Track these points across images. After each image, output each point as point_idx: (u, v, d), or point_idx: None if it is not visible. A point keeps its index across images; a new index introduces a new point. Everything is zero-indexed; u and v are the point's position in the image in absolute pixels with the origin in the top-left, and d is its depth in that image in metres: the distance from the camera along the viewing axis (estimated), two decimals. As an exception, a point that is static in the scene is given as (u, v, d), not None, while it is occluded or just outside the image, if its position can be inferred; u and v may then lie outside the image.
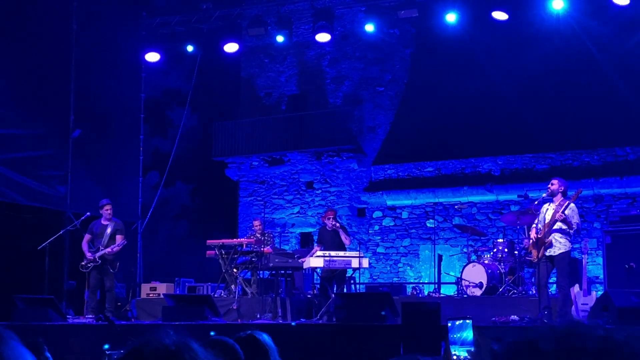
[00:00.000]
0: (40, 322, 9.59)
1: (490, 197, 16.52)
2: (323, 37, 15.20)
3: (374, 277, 17.33)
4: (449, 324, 1.94)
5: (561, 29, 14.34)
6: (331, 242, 11.21)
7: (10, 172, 13.00)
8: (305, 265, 11.17)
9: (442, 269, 12.99)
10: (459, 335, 2.02)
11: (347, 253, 11.01)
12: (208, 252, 12.22)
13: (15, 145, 13.12)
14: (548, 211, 9.36)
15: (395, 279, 16.98)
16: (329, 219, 11.30)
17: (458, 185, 16.76)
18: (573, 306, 9.41)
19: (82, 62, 14.33)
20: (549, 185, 9.37)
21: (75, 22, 14.23)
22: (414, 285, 14.34)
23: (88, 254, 11.08)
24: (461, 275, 11.55)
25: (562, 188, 9.37)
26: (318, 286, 11.58)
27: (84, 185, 14.16)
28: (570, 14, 13.72)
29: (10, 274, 12.27)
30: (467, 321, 2.00)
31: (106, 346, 7.97)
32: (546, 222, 9.26)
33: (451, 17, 13.86)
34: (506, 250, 11.33)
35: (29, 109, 13.39)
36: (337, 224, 11.36)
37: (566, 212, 9.14)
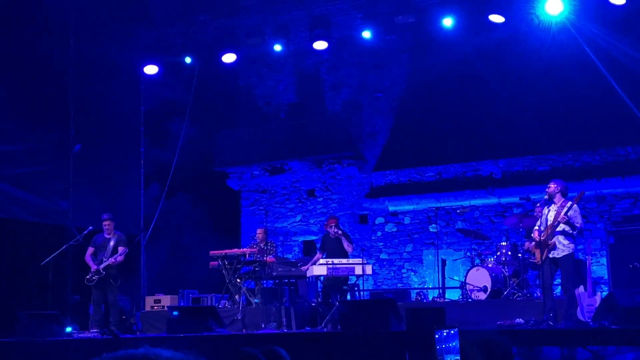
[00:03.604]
0: (44, 337, 9.57)
1: (492, 200, 16.51)
2: (320, 45, 15.22)
3: (378, 284, 17.31)
4: (437, 335, 1.94)
5: (558, 30, 14.35)
6: (334, 249, 11.19)
7: (12, 188, 12.99)
8: (308, 274, 11.15)
9: (446, 273, 12.96)
10: (446, 345, 2.02)
11: (351, 260, 10.99)
12: (211, 262, 12.21)
13: (15, 161, 13.12)
14: (550, 212, 9.34)
15: (399, 285, 16.95)
16: (330, 226, 11.28)
17: (460, 189, 16.75)
18: (578, 308, 9.38)
19: (81, 76, 14.34)
20: (546, 189, 9.36)
21: (73, 36, 14.25)
22: (418, 290, 14.31)
23: (93, 266, 11.11)
24: (465, 279, 11.52)
25: (559, 188, 9.35)
26: (322, 294, 11.55)
27: (85, 199, 14.15)
28: (566, 15, 13.73)
29: (13, 290, 12.26)
30: (454, 330, 2.01)
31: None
32: (549, 224, 9.24)
33: (448, 22, 13.87)
34: (509, 253, 11.30)
35: (29, 124, 13.40)
36: (340, 232, 11.34)
37: (569, 213, 9.12)
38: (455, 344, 2.02)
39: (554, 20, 13.63)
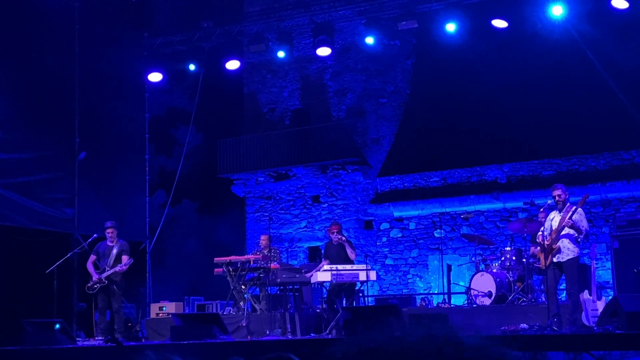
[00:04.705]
0: (49, 345, 9.59)
1: (497, 205, 16.47)
2: (324, 51, 15.25)
3: (384, 289, 17.29)
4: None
5: (561, 35, 14.35)
6: (337, 256, 11.15)
7: (17, 196, 13.05)
8: (312, 280, 11.13)
9: (451, 278, 12.93)
10: None
11: (355, 266, 10.95)
12: (216, 269, 12.21)
13: (21, 169, 13.18)
14: (555, 217, 9.32)
15: (404, 291, 16.92)
16: (332, 233, 11.26)
17: (465, 194, 16.72)
18: (583, 312, 9.35)
19: (86, 84, 14.41)
20: (556, 197, 9.27)
21: (77, 45, 14.32)
22: (423, 296, 14.28)
23: (94, 275, 11.11)
24: (470, 284, 11.49)
25: (567, 194, 9.35)
26: (327, 300, 11.53)
27: (91, 206, 14.21)
28: (569, 20, 13.73)
29: (18, 298, 12.29)
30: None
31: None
32: (554, 228, 9.22)
33: (451, 27, 13.88)
34: (514, 258, 11.27)
35: (34, 132, 13.47)
36: (343, 238, 11.32)
37: (574, 216, 9.10)
38: None
39: (557, 25, 13.63)
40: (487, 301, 11.02)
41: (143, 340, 11.38)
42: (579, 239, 9.27)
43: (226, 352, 8.39)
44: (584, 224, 9.22)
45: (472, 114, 16.43)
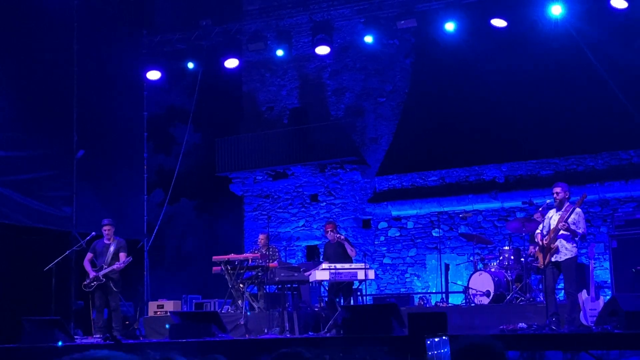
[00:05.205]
0: (47, 343, 9.58)
1: (495, 205, 16.49)
2: (323, 50, 15.24)
3: (381, 288, 17.29)
4: (428, 342, 1.95)
5: (560, 35, 14.36)
6: (334, 255, 11.15)
7: (15, 194, 13.03)
8: (311, 279, 11.13)
9: (449, 278, 12.94)
10: (438, 351, 2.03)
11: (353, 265, 10.97)
12: (214, 268, 12.22)
13: (19, 167, 13.16)
14: (554, 217, 9.33)
15: (402, 290, 16.93)
16: (327, 232, 11.27)
17: (463, 194, 16.74)
18: (581, 312, 9.36)
19: (84, 82, 14.39)
20: (554, 195, 9.28)
21: (76, 42, 14.30)
22: (421, 295, 14.28)
23: (91, 273, 11.08)
24: (468, 284, 11.50)
25: (569, 194, 9.35)
26: (325, 299, 11.53)
27: (89, 205, 14.19)
28: (568, 20, 13.73)
29: (17, 296, 12.28)
30: (445, 336, 2.02)
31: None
32: (552, 228, 9.22)
33: (450, 26, 13.88)
34: (512, 257, 11.27)
35: (33, 130, 13.45)
36: (342, 236, 11.32)
37: (572, 216, 9.11)
38: (446, 350, 2.03)
39: (556, 25, 13.64)
40: (485, 300, 11.03)
41: (141, 339, 11.37)
42: (576, 239, 9.29)
43: (225, 350, 8.39)
44: (581, 226, 9.21)
45: (471, 114, 16.44)
